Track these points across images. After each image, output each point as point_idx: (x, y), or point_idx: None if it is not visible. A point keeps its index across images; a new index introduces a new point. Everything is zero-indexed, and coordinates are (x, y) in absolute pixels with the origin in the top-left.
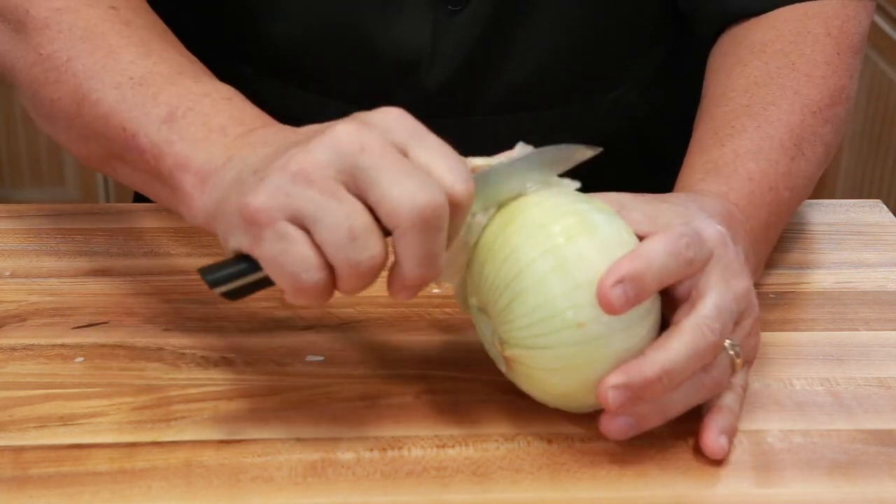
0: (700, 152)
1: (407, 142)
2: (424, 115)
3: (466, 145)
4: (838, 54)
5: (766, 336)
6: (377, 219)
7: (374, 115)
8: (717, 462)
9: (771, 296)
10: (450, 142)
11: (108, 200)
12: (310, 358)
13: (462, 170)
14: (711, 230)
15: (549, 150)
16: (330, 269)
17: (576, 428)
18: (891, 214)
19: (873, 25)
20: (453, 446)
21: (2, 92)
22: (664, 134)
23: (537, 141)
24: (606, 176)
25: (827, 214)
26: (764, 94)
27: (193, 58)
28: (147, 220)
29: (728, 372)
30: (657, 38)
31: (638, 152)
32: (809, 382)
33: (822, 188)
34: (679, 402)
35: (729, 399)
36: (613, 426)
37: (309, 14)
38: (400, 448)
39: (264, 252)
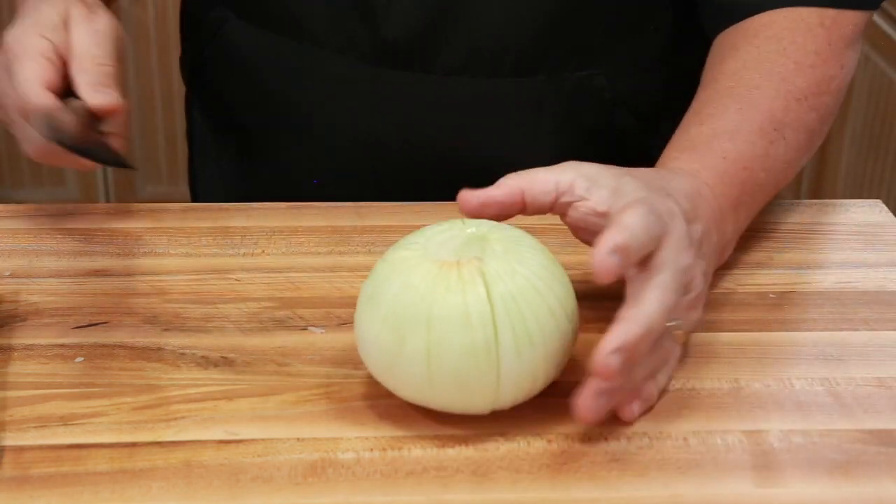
0: (681, 131)
1: None
2: (381, 64)
3: (426, 106)
4: (829, 45)
5: (766, 336)
6: None
7: None
8: (718, 463)
9: (771, 296)
10: (410, 99)
11: (108, 200)
12: (310, 357)
13: None
14: (663, 205)
15: None
16: None
17: (576, 428)
18: (891, 214)
19: (873, 25)
20: (453, 446)
21: None
22: (630, 125)
23: (497, 111)
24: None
25: (827, 214)
26: (751, 77)
27: None
28: (147, 220)
29: (674, 343)
30: (637, 30)
31: (601, 135)
32: (809, 382)
33: (822, 188)
34: (640, 375)
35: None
36: (592, 405)
37: None
38: (400, 448)
39: None
